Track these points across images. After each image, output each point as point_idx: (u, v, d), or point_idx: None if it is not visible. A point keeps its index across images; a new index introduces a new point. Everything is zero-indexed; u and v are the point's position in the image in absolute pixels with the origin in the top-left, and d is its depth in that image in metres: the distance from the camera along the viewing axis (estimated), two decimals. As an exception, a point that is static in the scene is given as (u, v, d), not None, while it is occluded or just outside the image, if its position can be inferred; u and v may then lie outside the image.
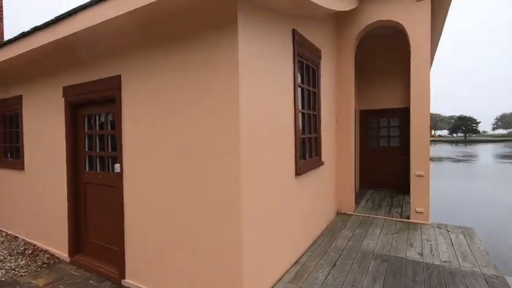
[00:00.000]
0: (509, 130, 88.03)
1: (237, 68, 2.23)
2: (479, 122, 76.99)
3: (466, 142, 66.47)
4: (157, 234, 2.75)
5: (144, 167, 2.84)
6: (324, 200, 4.48)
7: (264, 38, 2.64)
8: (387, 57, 7.00)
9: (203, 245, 2.45)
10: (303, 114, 3.69)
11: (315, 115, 4.15)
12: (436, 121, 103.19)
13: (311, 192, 3.87)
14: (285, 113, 3.11)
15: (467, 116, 76.85)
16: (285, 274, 3.02)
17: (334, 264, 3.22)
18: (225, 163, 2.32)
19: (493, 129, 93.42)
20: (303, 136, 3.67)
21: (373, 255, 3.44)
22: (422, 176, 4.64)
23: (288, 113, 3.17)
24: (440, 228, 4.35)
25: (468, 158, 27.41)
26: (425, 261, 3.24)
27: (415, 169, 4.70)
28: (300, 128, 3.59)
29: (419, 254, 3.46)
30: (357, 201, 6.16)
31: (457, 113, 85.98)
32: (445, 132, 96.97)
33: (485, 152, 36.55)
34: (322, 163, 4.25)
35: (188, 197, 2.53)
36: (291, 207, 3.26)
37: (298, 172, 3.36)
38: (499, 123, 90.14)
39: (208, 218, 2.42)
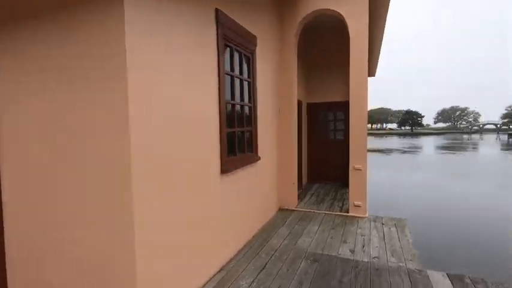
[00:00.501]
0: (448, 123, 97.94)
1: (124, 54, 1.79)
2: (423, 116, 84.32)
3: (412, 134, 72.44)
4: (38, 246, 2.24)
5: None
6: (261, 197, 4.24)
7: (169, 17, 2.23)
8: (336, 50, 6.97)
9: (89, 261, 2.02)
10: (233, 105, 3.37)
11: (250, 107, 3.86)
12: (388, 115, 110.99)
13: (244, 190, 3.59)
14: (205, 105, 2.75)
15: (413, 110, 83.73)
16: (206, 284, 2.70)
17: (263, 268, 2.98)
18: (112, 166, 1.90)
19: (435, 122, 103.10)
20: (232, 130, 3.35)
21: (306, 255, 3.27)
22: (360, 170, 4.63)
23: (209, 104, 2.81)
24: (376, 221, 4.38)
25: (414, 150, 29.68)
26: (356, 259, 3.15)
27: (353, 163, 4.67)
28: (228, 121, 3.26)
29: (351, 250, 3.38)
30: (302, 195, 6.09)
31: (405, 108, 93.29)
32: (395, 126, 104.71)
33: (428, 144, 40.00)
34: (259, 158, 3.99)
35: (70, 203, 2.05)
36: (216, 208, 2.94)
37: (225, 170, 3.04)
38: (440, 117, 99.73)
39: (94, 230, 1.99)
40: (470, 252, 5.42)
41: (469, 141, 45.03)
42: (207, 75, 2.78)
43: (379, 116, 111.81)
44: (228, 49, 3.28)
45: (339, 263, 3.06)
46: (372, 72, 12.81)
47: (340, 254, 3.28)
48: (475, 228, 6.70)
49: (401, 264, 3.01)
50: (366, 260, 3.13)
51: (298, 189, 6.65)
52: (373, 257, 3.19)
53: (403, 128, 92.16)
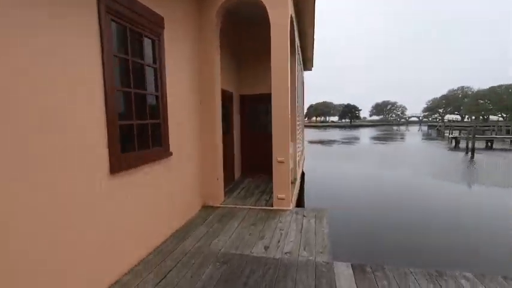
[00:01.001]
0: (381, 116, 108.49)
1: None
2: (360, 110, 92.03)
3: (351, 127, 78.63)
4: None
5: None
6: (176, 196, 3.88)
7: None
8: (266, 40, 6.82)
9: None
10: (127, 93, 2.91)
11: (158, 96, 3.43)
12: (330, 109, 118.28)
13: (148, 190, 3.19)
14: (80, 92, 2.27)
15: (352, 104, 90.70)
16: (87, 306, 2.27)
17: (164, 277, 2.65)
18: None
19: (370, 115, 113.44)
20: (128, 122, 2.90)
21: (217, 256, 3.04)
22: (283, 162, 4.56)
23: (86, 92, 2.33)
24: (298, 214, 4.36)
25: (352, 141, 32.02)
26: (268, 256, 3.02)
27: (276, 155, 4.58)
28: (123, 112, 2.81)
29: (265, 247, 3.24)
30: (232, 190, 5.87)
31: (345, 102, 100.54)
32: (336, 118, 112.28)
33: (364, 135, 43.67)
34: (170, 154, 3.61)
35: None
36: (103, 214, 2.49)
37: (116, 169, 2.60)
38: (374, 110, 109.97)
39: None
40: (394, 239, 5.84)
41: (397, 132, 50.36)
42: (83, 57, 2.29)
43: (322, 109, 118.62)
44: (120, 28, 2.81)
45: (249, 263, 2.88)
46: (308, 66, 13.25)
47: (253, 253, 3.12)
48: (403, 217, 7.31)
49: (311, 258, 2.96)
50: (278, 256, 3.02)
51: (230, 183, 6.45)
52: (286, 253, 3.09)
53: (343, 120, 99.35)
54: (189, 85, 4.28)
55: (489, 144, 21.66)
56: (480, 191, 9.54)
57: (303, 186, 10.59)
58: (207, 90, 4.70)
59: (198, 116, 4.61)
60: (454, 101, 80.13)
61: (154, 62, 3.37)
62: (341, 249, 5.22)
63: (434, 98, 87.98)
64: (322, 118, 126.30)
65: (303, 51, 10.23)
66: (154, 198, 3.31)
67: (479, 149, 20.04)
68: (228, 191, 5.76)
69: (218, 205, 4.84)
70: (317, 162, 16.09)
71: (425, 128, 62.36)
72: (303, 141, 11.99)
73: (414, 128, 66.51)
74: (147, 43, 3.25)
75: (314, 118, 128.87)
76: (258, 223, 4.01)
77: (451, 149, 20.94)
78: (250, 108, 7.43)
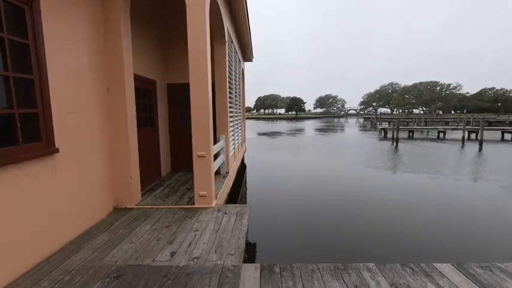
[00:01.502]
0: (323, 109, 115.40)
1: None
2: (305, 102, 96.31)
3: (297, 119, 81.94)
4: None
5: None
6: (73, 199, 3.27)
7: None
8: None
9: None
10: (-26, 75, 2.23)
11: (32, 80, 2.77)
12: (277, 101, 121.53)
13: (23, 195, 2.55)
14: None
15: (298, 97, 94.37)
16: None
17: (29, 307, 2.12)
18: None
19: (314, 108, 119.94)
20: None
21: (109, 271, 2.58)
22: (204, 157, 4.22)
23: None
24: (220, 211, 4.09)
25: (298, 132, 33.15)
26: (171, 265, 2.67)
27: (196, 149, 4.21)
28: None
29: (172, 253, 2.89)
30: (157, 187, 5.35)
31: (292, 95, 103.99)
32: (283, 111, 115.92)
33: (308, 127, 45.75)
34: (56, 150, 2.98)
35: None
36: None
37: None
38: (318, 103, 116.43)
39: None
40: (323, 229, 5.96)
41: (338, 124, 53.95)
42: None
43: (269, 102, 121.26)
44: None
45: (145, 275, 2.50)
46: (247, 56, 13.01)
47: (155, 261, 2.73)
48: (332, 205, 7.55)
49: (219, 262, 2.70)
50: (183, 263, 2.69)
51: (155, 181, 5.90)
52: (194, 258, 2.78)
53: (289, 113, 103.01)
54: (88, 69, 3.62)
55: (411, 134, 24.39)
56: (401, 177, 10.52)
57: (244, 179, 10.47)
58: (116, 77, 4.08)
59: (104, 106, 3.98)
60: (385, 95, 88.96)
61: (24, 36, 2.69)
62: (264, 245, 5.15)
63: (369, 93, 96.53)
64: (270, 110, 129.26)
65: (240, 40, 9.93)
66: (32, 205, 2.68)
67: (402, 138, 22.42)
68: (149, 190, 5.22)
69: (132, 206, 4.30)
70: (263, 154, 16.19)
71: (361, 120, 68.07)
72: (243, 134, 11.83)
73: (352, 120, 72.16)
74: (10, 10, 2.56)
75: (262, 110, 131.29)
76: (173, 225, 3.62)
77: (381, 139, 23.02)
78: (179, 98, 6.87)
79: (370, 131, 33.64)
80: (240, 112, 10.44)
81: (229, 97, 7.28)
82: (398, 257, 4.60)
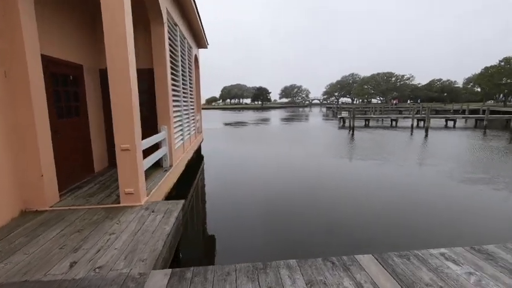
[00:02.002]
0: (289, 99, 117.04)
1: None
2: (270, 92, 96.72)
3: (263, 109, 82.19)
4: None
5: None
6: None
7: None
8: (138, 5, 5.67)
9: None
10: None
11: None
12: (243, 91, 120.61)
13: None
14: None
15: (263, 87, 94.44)
16: None
17: None
18: None
19: (280, 98, 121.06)
20: None
21: (-17, 291, 2.14)
22: (129, 150, 3.80)
23: None
24: (147, 209, 3.73)
25: (263, 122, 33.10)
26: (66, 278, 2.30)
27: (119, 142, 3.77)
28: None
29: (72, 264, 2.50)
30: (80, 186, 4.79)
31: (257, 85, 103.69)
32: (249, 101, 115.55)
33: (274, 116, 46.00)
34: None
35: None
36: None
37: None
38: (283, 93, 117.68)
39: None
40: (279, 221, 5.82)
41: (302, 113, 54.96)
42: None
43: (236, 92, 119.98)
44: None
45: (28, 294, 2.10)
46: (201, 43, 12.40)
47: (47, 275, 2.33)
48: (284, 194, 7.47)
49: (124, 270, 2.38)
50: (81, 275, 2.33)
51: (85, 177, 5.32)
52: (96, 268, 2.43)
53: (255, 102, 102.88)
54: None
55: (367, 122, 25.55)
56: (351, 164, 10.85)
57: (201, 171, 10.07)
58: (15, 59, 3.45)
59: (1, 93, 3.35)
60: (346, 86, 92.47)
61: None
62: (218, 241, 4.89)
63: (331, 83, 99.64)
64: (237, 100, 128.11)
65: (190, 25, 9.34)
66: None
67: (359, 127, 23.39)
68: (74, 188, 4.67)
69: (46, 208, 3.77)
70: (225, 145, 15.85)
71: (324, 110, 70.16)
72: (198, 124, 11.33)
73: (316, 110, 74.08)
74: None
75: (228, 100, 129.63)
76: (87, 228, 3.20)
77: (339, 128, 23.79)
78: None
79: (332, 120, 34.70)
80: (192, 101, 9.94)
81: (174, 84, 6.81)
82: (322, 247, 4.59)
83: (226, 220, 5.77)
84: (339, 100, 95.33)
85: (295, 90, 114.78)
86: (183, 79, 8.16)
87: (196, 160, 11.50)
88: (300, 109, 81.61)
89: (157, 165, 5.97)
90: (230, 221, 5.72)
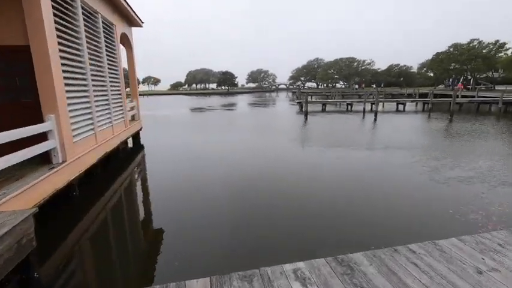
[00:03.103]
0: (256, 84, 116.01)
1: None
2: (237, 77, 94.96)
3: (229, 94, 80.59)
4: None
5: None
6: None
7: None
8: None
9: None
10: None
11: None
12: (209, 76, 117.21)
13: None
14: None
15: (229, 71, 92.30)
16: None
17: None
18: None
19: (246, 83, 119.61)
20: None
21: None
22: None
23: None
24: (-24, 223, 2.94)
25: (226, 108, 32.15)
26: None
27: None
28: None
29: None
30: None
31: (224, 70, 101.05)
32: (215, 86, 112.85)
33: (241, 101, 45.12)
34: None
35: None
36: None
37: None
38: (250, 78, 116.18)
39: None
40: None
41: (270, 98, 54.54)
42: None
43: (201, 77, 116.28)
44: None
45: None
46: (133, 22, 11.13)
47: None
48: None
49: None
50: None
51: None
52: None
53: (222, 87, 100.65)
54: None
55: (324, 107, 25.76)
56: (298, 151, 10.59)
57: (134, 162, 9.17)
58: None
59: None
60: (311, 70, 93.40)
61: None
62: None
63: (297, 68, 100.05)
64: (203, 85, 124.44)
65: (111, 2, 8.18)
66: None
67: (315, 111, 23.47)
68: None
69: None
70: (177, 132, 14.91)
71: (290, 94, 70.47)
72: (126, 110, 10.21)
73: (283, 94, 74.17)
74: None
75: (194, 85, 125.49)
76: None
77: (298, 113, 23.69)
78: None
79: (295, 105, 34.70)
80: (115, 86, 8.88)
81: (69, 65, 5.81)
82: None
83: (159, 218, 5.11)
84: (305, 85, 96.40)
85: (262, 75, 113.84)
86: (93, 60, 7.12)
87: (129, 152, 10.56)
88: (267, 94, 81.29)
89: (45, 161, 5.10)
90: (161, 218, 5.07)
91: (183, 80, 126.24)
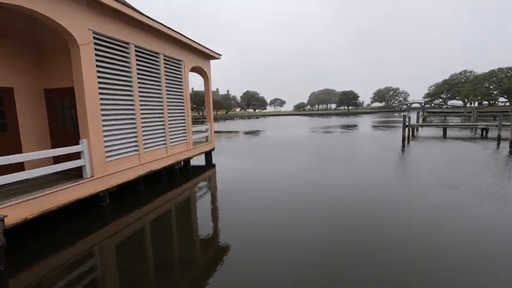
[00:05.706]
0: (383, 103, 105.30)
1: None
2: (358, 96, 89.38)
3: (349, 114, 76.73)
4: None
5: None
6: None
7: None
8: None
9: None
10: None
11: None
12: (331, 96, 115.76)
13: None
14: None
15: (349, 90, 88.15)
16: None
17: None
18: None
19: (372, 102, 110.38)
20: None
21: None
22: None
23: None
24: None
25: (352, 129, 31.07)
26: None
27: None
28: None
29: None
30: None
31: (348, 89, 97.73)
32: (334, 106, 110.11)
33: (364, 122, 42.33)
34: None
35: None
36: None
37: None
38: (376, 96, 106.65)
39: None
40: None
41: (395, 120, 48.09)
42: None
43: (323, 97, 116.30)
44: None
45: None
46: (208, 56, 12.47)
47: None
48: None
49: None
50: None
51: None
52: None
53: (342, 108, 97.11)
54: None
55: (444, 132, 20.51)
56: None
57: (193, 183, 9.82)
58: None
59: None
60: (455, 85, 76.50)
61: None
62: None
63: (436, 83, 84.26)
64: (324, 106, 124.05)
65: (170, 42, 9.70)
66: None
67: (433, 137, 19.01)
68: None
69: None
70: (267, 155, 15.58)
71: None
72: (189, 134, 11.28)
73: (415, 115, 63.92)
74: None
75: (316, 106, 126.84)
76: None
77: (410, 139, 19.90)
78: (60, 105, 7.09)
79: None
80: (168, 111, 10.18)
81: (106, 98, 6.99)
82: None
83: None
84: (446, 103, 79.53)
85: (391, 93, 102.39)
86: (145, 92, 8.44)
87: (191, 170, 11.36)
88: (396, 114, 71.89)
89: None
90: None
91: (305, 101, 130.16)
